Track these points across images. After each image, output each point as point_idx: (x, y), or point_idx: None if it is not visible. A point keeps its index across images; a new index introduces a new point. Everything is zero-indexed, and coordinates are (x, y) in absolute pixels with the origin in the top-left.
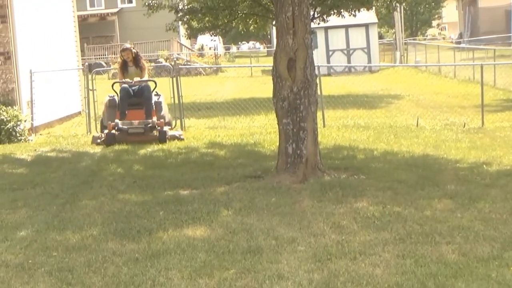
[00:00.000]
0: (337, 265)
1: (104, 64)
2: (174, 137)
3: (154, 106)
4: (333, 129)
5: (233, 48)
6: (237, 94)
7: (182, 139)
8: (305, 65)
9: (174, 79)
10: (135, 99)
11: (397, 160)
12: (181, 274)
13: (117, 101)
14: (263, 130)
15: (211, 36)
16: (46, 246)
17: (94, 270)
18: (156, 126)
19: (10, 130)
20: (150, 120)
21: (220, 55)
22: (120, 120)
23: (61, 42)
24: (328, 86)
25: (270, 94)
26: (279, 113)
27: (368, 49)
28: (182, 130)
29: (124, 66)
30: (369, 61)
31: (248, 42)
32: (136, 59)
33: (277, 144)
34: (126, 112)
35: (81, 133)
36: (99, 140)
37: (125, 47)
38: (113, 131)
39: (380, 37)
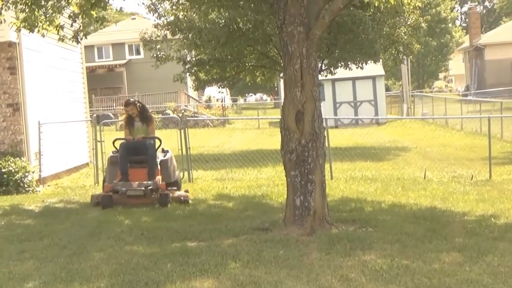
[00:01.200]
0: None
1: (112, 116)
2: (178, 200)
3: (159, 165)
4: (341, 181)
5: (240, 100)
6: (245, 145)
7: (187, 201)
8: (313, 117)
9: (182, 130)
10: (138, 157)
11: (405, 212)
12: None
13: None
14: (270, 182)
15: (219, 87)
16: None
17: None
18: (159, 188)
19: (18, 181)
20: (151, 182)
21: (227, 107)
22: (121, 180)
23: (70, 93)
24: (335, 138)
25: (278, 146)
26: (287, 165)
27: (375, 101)
28: (190, 182)
29: (129, 122)
30: (376, 113)
31: (255, 94)
32: (142, 114)
33: (285, 196)
34: (128, 171)
35: (88, 184)
36: (97, 200)
37: (129, 101)
38: (111, 193)
39: (387, 89)
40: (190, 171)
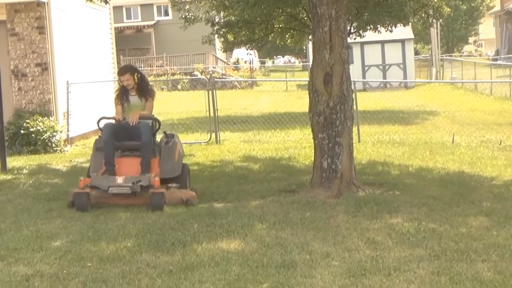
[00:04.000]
0: (371, 280)
1: None
2: (179, 201)
3: (158, 153)
4: (368, 144)
5: (269, 62)
6: (272, 108)
7: (192, 204)
8: (341, 80)
9: (210, 92)
10: (130, 143)
11: (432, 176)
12: (214, 287)
13: None
14: (298, 145)
15: (247, 49)
16: (80, 257)
17: (128, 281)
18: (152, 185)
19: (46, 140)
20: (140, 177)
21: (256, 69)
22: (105, 172)
23: (98, 53)
24: (363, 102)
25: (305, 109)
26: (315, 127)
27: (404, 65)
28: (217, 144)
29: (123, 95)
30: (405, 77)
31: (283, 57)
32: (141, 86)
33: (312, 158)
34: (114, 161)
35: None
36: (72, 199)
37: (125, 68)
38: (87, 190)
39: (416, 53)
40: (218, 133)
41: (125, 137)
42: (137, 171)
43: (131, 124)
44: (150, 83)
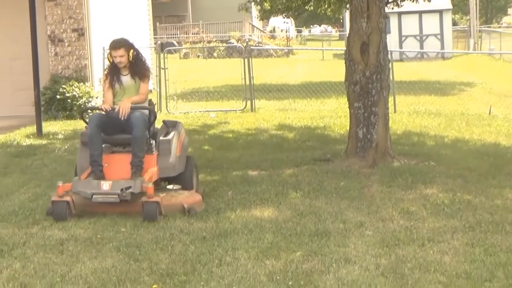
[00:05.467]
0: (405, 251)
1: (176, 44)
2: (179, 208)
3: (155, 148)
4: (404, 115)
5: (305, 31)
6: (308, 77)
7: (193, 212)
8: (378, 49)
9: (246, 60)
10: (121, 137)
11: (468, 148)
12: (247, 254)
13: None
14: (333, 114)
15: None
16: (114, 222)
17: (161, 247)
18: (145, 192)
19: (82, 106)
20: (130, 183)
21: (292, 37)
22: (90, 174)
23: (134, 20)
24: (400, 72)
25: (341, 78)
26: (351, 97)
27: (441, 36)
28: (253, 112)
29: (114, 75)
30: (442, 47)
31: (320, 26)
32: (135, 64)
33: (347, 128)
34: (102, 161)
35: None
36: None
37: (119, 43)
38: (67, 198)
39: (454, 23)
40: (253, 101)
41: (116, 130)
42: (130, 172)
43: (121, 118)
44: (145, 60)
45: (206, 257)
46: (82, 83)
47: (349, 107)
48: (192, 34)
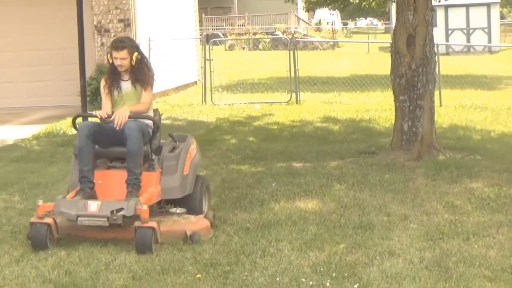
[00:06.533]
0: (449, 244)
1: (221, 35)
2: (180, 236)
3: (158, 165)
4: (450, 108)
5: (351, 24)
6: (353, 70)
7: (199, 241)
8: (424, 42)
9: (291, 52)
10: (117, 150)
11: None
12: (291, 245)
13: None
14: (378, 107)
15: (329, 10)
16: None
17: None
18: (139, 216)
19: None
20: (122, 204)
21: (338, 30)
22: (78, 192)
23: (180, 11)
24: (446, 65)
25: (387, 71)
26: (396, 89)
27: (488, 29)
28: (297, 104)
29: (113, 80)
30: (489, 41)
31: (366, 18)
32: (137, 70)
33: (392, 121)
34: (93, 178)
35: (196, 102)
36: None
37: (122, 43)
38: (48, 220)
39: (502, 17)
40: (298, 93)
41: (111, 141)
42: (123, 192)
43: (116, 128)
44: (150, 66)
45: (250, 248)
46: None
47: (394, 100)
48: (238, 26)
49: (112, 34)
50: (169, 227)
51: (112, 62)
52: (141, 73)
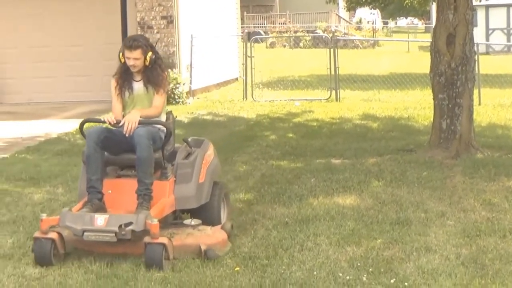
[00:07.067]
0: (486, 241)
1: (263, 33)
2: (197, 251)
3: (172, 173)
4: (489, 107)
5: (391, 23)
6: (393, 68)
7: (215, 256)
8: (464, 41)
9: (331, 50)
10: (128, 157)
11: None
12: (329, 240)
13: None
14: (417, 105)
15: (370, 9)
16: None
17: (244, 231)
18: (148, 231)
19: (169, 92)
20: (131, 218)
21: (378, 29)
22: (85, 204)
23: (222, 9)
24: (486, 65)
25: (426, 70)
26: (435, 88)
27: None
28: (337, 101)
29: (125, 80)
30: None
31: (406, 18)
32: (151, 70)
33: (431, 119)
34: (102, 188)
35: (237, 98)
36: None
37: (136, 42)
38: (52, 235)
39: None
40: (338, 91)
41: (122, 148)
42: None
43: (126, 135)
44: (164, 67)
45: (288, 242)
46: (170, 70)
47: (433, 98)
48: (279, 24)
49: (155, 31)
50: (182, 241)
51: (124, 62)
52: (154, 74)
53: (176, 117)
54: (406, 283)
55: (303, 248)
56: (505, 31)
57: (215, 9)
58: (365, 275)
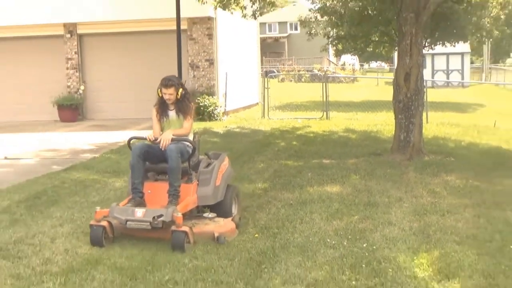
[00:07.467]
0: (430, 219)
1: (276, 71)
2: (208, 235)
3: (196, 178)
4: (433, 125)
5: (366, 65)
6: (367, 97)
7: (224, 241)
8: (416, 78)
9: (324, 84)
10: (163, 165)
11: (479, 149)
12: (320, 216)
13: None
14: (383, 123)
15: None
16: None
17: (261, 209)
18: (174, 221)
19: (210, 112)
20: (162, 211)
21: (356, 69)
22: (130, 200)
23: (248, 54)
24: (431, 95)
25: (390, 98)
26: (396, 111)
27: (462, 71)
28: (327, 119)
29: (162, 109)
30: (462, 79)
31: (376, 62)
32: (181, 102)
33: (393, 132)
34: (143, 188)
35: (257, 117)
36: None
37: (171, 81)
38: (103, 223)
39: (471, 62)
40: (328, 112)
41: (158, 159)
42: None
43: (162, 149)
44: (191, 100)
45: (292, 217)
46: (210, 96)
47: (394, 118)
48: (287, 65)
49: (201, 70)
50: (201, 229)
51: (162, 96)
52: (183, 105)
53: (200, 136)
54: (374, 247)
55: (302, 222)
56: (445, 71)
57: (243, 54)
58: (345, 241)
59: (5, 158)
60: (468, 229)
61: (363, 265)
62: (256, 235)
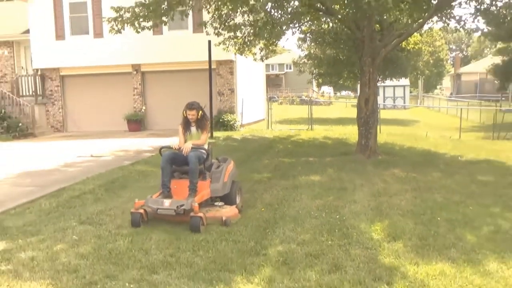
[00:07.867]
0: (382, 199)
1: (276, 97)
2: (218, 219)
3: (209, 177)
4: (384, 134)
5: (338, 93)
6: (339, 115)
7: (229, 224)
8: (373, 102)
9: (309, 106)
10: (185, 168)
11: (416, 151)
12: (307, 196)
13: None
14: (350, 132)
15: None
16: (242, 178)
17: (265, 192)
18: (192, 209)
19: (232, 125)
20: (183, 202)
21: (332, 96)
22: (161, 194)
23: (257, 84)
24: (383, 114)
25: (355, 116)
26: (359, 124)
27: (404, 97)
28: (311, 130)
29: (186, 126)
30: (404, 103)
31: (345, 91)
32: (200, 120)
33: (357, 139)
34: (170, 185)
35: (264, 128)
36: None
37: (194, 105)
38: (140, 211)
39: (410, 92)
40: (311, 125)
41: (182, 162)
42: (185, 193)
43: (184, 155)
44: (207, 119)
45: (287, 197)
46: (231, 114)
47: (358, 129)
48: (284, 93)
49: (225, 96)
50: (212, 214)
51: (186, 116)
52: (202, 123)
53: (212, 147)
54: (344, 218)
55: (294, 200)
56: (392, 98)
57: (254, 84)
58: (324, 214)
59: (91, 156)
60: (408, 206)
61: (336, 230)
62: (263, 209)
